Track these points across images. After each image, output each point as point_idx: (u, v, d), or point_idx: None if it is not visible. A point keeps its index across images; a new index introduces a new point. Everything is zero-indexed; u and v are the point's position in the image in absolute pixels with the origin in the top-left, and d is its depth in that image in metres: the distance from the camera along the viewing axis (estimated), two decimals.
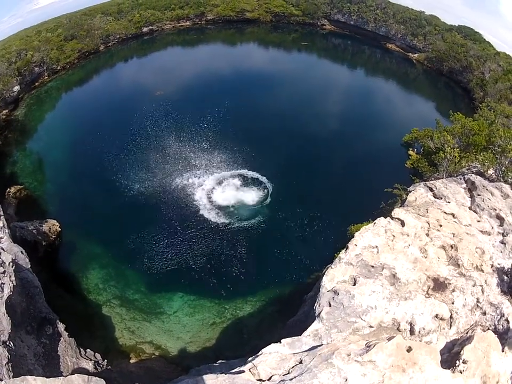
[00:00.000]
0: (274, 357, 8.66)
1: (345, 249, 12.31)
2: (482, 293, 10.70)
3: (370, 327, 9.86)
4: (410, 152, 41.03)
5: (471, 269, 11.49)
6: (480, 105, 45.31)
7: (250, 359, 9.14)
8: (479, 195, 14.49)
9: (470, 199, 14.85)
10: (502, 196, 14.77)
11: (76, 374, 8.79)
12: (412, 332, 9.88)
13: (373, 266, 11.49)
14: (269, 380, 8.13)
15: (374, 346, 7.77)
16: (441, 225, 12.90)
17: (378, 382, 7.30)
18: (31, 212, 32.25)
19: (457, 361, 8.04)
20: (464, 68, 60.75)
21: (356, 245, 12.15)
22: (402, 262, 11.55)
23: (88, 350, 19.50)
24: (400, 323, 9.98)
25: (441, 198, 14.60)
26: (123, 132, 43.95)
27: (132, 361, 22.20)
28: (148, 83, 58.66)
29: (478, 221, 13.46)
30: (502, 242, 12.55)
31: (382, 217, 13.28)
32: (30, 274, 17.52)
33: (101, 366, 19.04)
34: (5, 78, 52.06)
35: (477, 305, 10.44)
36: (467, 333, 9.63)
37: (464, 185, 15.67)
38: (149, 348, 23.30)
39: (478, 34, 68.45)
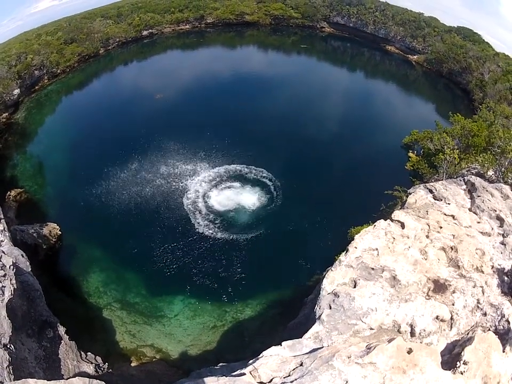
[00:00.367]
0: (275, 359, 8.66)
1: (345, 251, 12.32)
2: (483, 294, 10.70)
3: (371, 329, 9.86)
4: (410, 154, 41.08)
5: (471, 270, 11.50)
6: (480, 106, 45.46)
7: (251, 361, 9.14)
8: (479, 196, 14.49)
9: (470, 200, 14.85)
10: (502, 197, 14.77)
11: (77, 377, 8.80)
12: (412, 333, 9.88)
13: (373, 269, 11.49)
14: (269, 382, 8.13)
15: (375, 348, 7.77)
16: (441, 227, 12.90)
17: None
18: (31, 215, 32.28)
19: (458, 362, 8.02)
20: (463, 69, 60.88)
21: (356, 248, 12.15)
22: (402, 264, 11.56)
23: (89, 353, 19.49)
24: (400, 325, 9.98)
25: (441, 200, 14.61)
26: (123, 135, 44.12)
27: (132, 364, 22.21)
28: (148, 86, 58.87)
29: (478, 222, 13.46)
30: (502, 243, 12.55)
31: (382, 220, 13.29)
32: (31, 278, 17.53)
33: (102, 369, 19.05)
34: (5, 81, 52.27)
35: (478, 306, 10.43)
36: (468, 334, 9.62)
37: (464, 186, 15.66)
38: (149, 351, 23.29)
39: (477, 35, 68.61)
